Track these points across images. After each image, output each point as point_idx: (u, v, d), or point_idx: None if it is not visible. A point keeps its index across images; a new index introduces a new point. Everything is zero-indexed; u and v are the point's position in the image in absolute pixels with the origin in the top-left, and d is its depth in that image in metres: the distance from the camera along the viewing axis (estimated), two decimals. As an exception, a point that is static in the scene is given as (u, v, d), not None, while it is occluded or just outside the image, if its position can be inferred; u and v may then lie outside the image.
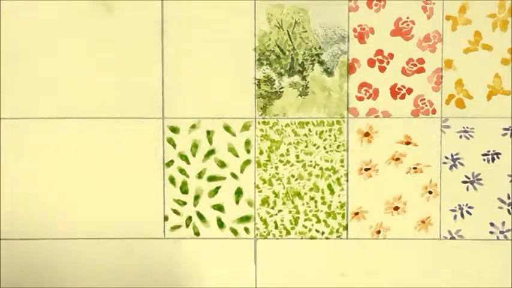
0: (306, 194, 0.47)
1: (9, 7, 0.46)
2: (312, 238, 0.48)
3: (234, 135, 0.47)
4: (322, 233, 0.47)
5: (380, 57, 0.47)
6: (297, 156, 0.47)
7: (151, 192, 0.47)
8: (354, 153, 0.47)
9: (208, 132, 0.47)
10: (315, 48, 0.47)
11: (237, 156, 0.47)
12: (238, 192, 0.48)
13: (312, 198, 0.47)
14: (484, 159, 0.47)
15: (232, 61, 0.47)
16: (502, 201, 0.47)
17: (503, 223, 0.47)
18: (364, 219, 0.47)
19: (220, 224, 0.48)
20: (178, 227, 0.48)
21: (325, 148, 0.47)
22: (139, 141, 0.47)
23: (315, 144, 0.47)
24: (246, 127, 0.47)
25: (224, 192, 0.48)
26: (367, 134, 0.47)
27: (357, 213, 0.47)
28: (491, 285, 0.47)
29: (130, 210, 0.47)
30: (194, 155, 0.47)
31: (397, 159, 0.47)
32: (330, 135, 0.47)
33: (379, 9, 0.46)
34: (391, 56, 0.47)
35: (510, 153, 0.47)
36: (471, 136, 0.47)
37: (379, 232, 0.47)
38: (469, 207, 0.47)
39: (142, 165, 0.47)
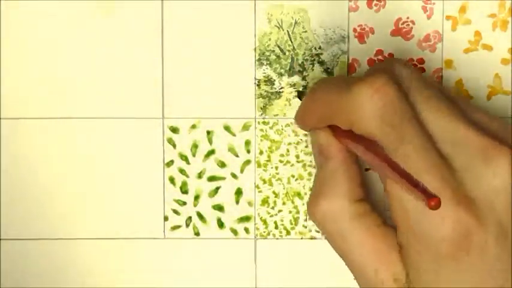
0: (306, 194, 0.47)
1: (9, 7, 0.46)
2: (312, 238, 0.48)
3: (234, 135, 0.47)
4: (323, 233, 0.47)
5: (380, 57, 0.47)
6: (297, 156, 0.47)
7: (151, 192, 0.47)
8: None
9: (208, 132, 0.47)
10: (315, 48, 0.47)
11: (237, 156, 0.47)
12: (238, 192, 0.48)
13: (312, 198, 0.47)
14: (484, 159, 0.47)
15: (232, 61, 0.47)
16: (502, 201, 0.47)
17: (503, 223, 0.47)
18: (364, 219, 0.47)
19: (220, 224, 0.48)
20: (178, 227, 0.48)
21: (325, 148, 0.47)
22: (139, 141, 0.47)
23: (315, 144, 0.47)
24: (246, 127, 0.47)
25: (224, 192, 0.48)
26: (367, 134, 0.47)
27: (357, 213, 0.47)
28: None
29: (130, 210, 0.47)
30: (194, 155, 0.47)
31: (397, 159, 0.47)
32: (330, 135, 0.47)
33: (379, 9, 0.46)
34: (391, 56, 0.47)
35: (510, 153, 0.47)
36: (471, 136, 0.47)
37: (379, 232, 0.47)
38: (469, 207, 0.47)
39: (142, 165, 0.47)
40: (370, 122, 0.37)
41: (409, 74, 0.39)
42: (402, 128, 0.36)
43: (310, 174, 0.47)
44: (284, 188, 0.47)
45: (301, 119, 0.43)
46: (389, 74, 0.38)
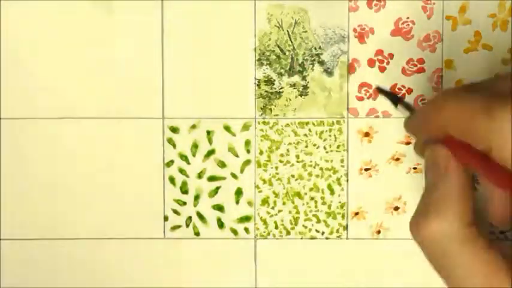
0: (306, 194, 0.47)
1: (9, 7, 0.46)
2: (312, 238, 0.48)
3: (234, 135, 0.47)
4: (322, 233, 0.47)
5: (380, 57, 0.47)
6: (297, 156, 0.47)
7: (151, 192, 0.47)
8: (354, 153, 0.47)
9: (208, 132, 0.47)
10: (315, 48, 0.47)
11: (237, 156, 0.47)
12: (238, 192, 0.48)
13: (312, 198, 0.47)
14: (484, 159, 0.47)
15: (232, 61, 0.47)
16: (502, 201, 0.47)
17: (503, 223, 0.47)
18: (364, 219, 0.47)
19: (220, 224, 0.48)
20: (178, 227, 0.48)
21: (325, 148, 0.47)
22: (139, 141, 0.47)
23: (315, 144, 0.47)
24: (246, 127, 0.47)
25: (224, 192, 0.48)
26: (367, 134, 0.47)
27: (357, 213, 0.47)
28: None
29: (130, 210, 0.47)
30: (194, 155, 0.47)
31: (397, 159, 0.47)
32: (330, 135, 0.47)
33: (379, 9, 0.46)
34: (391, 56, 0.47)
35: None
36: (471, 136, 0.47)
37: (379, 232, 0.47)
38: (469, 207, 0.47)
39: (142, 165, 0.47)
40: None
41: None
42: None
43: (310, 174, 0.47)
44: (284, 188, 0.47)
45: (416, 126, 0.41)
46: None
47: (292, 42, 0.47)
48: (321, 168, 0.47)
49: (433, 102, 0.39)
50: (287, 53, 0.47)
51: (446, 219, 0.39)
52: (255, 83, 0.47)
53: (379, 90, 0.45)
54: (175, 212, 0.48)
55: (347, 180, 0.47)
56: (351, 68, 0.47)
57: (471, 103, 0.37)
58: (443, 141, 0.39)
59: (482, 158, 0.37)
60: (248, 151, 0.47)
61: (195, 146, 0.47)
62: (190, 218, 0.48)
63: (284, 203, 0.47)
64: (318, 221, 0.47)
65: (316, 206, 0.47)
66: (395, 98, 0.43)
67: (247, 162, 0.47)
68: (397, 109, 0.43)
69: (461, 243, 0.38)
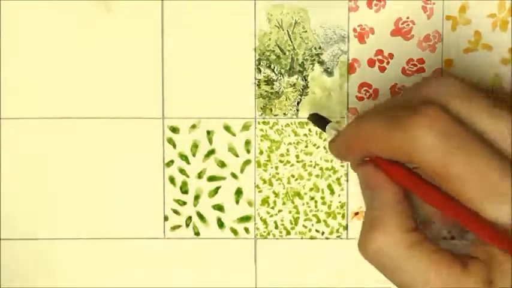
0: (306, 194, 0.47)
1: (9, 7, 0.46)
2: (312, 238, 0.48)
3: (234, 135, 0.47)
4: (322, 233, 0.48)
5: (380, 57, 0.47)
6: (297, 156, 0.47)
7: (151, 192, 0.47)
8: (354, 153, 0.47)
9: (208, 132, 0.47)
10: (315, 48, 0.47)
11: (237, 156, 0.47)
12: (238, 192, 0.48)
13: (312, 198, 0.47)
14: (484, 159, 0.47)
15: (232, 61, 0.47)
16: (502, 201, 0.47)
17: (503, 223, 0.47)
18: (364, 219, 0.47)
19: (220, 224, 0.48)
20: (178, 227, 0.48)
21: (325, 148, 0.47)
22: (139, 141, 0.47)
23: (315, 144, 0.47)
24: (246, 127, 0.47)
25: (224, 192, 0.48)
26: (367, 134, 0.47)
27: (357, 213, 0.47)
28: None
29: (130, 210, 0.47)
30: (194, 155, 0.47)
31: (397, 159, 0.47)
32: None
33: (379, 9, 0.46)
34: (391, 56, 0.47)
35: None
36: (471, 136, 0.47)
37: (379, 232, 0.47)
38: (469, 207, 0.47)
39: (142, 165, 0.47)
40: (434, 152, 0.36)
41: (453, 89, 0.38)
42: (467, 146, 0.36)
43: (310, 174, 0.47)
44: (284, 188, 0.47)
45: (341, 150, 0.42)
46: (433, 98, 0.37)
47: (292, 42, 0.47)
48: (321, 168, 0.47)
49: (349, 126, 0.40)
50: (287, 53, 0.47)
51: (386, 231, 0.39)
52: (255, 83, 0.47)
53: (311, 118, 0.46)
54: (175, 212, 0.48)
55: (347, 180, 0.47)
56: (351, 68, 0.47)
57: (382, 118, 0.38)
58: (371, 161, 0.40)
59: (410, 174, 0.38)
60: (248, 151, 0.47)
61: (195, 146, 0.47)
62: (190, 218, 0.48)
63: (284, 203, 0.47)
64: (318, 221, 0.47)
65: (316, 206, 0.47)
66: (324, 122, 0.44)
67: (247, 162, 0.47)
68: (326, 132, 0.44)
69: (407, 249, 0.39)
